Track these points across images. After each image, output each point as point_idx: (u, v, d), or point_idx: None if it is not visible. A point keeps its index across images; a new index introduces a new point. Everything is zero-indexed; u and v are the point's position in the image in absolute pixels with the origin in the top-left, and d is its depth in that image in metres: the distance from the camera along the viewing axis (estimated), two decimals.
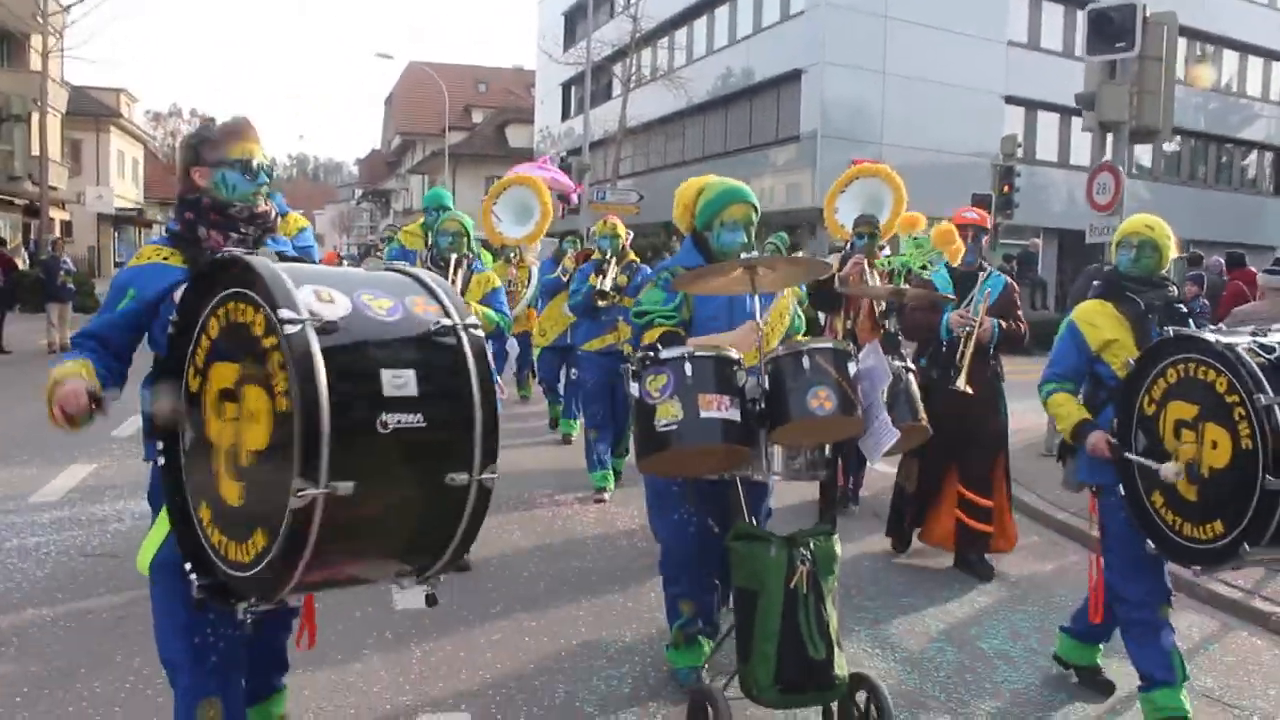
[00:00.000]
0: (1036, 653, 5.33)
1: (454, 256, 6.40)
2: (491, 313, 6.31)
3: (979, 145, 29.19)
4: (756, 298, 4.00)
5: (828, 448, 4.08)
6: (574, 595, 6.00)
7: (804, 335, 4.77)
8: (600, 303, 8.15)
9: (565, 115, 48.24)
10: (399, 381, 2.52)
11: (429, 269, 5.96)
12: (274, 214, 3.25)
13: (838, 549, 3.93)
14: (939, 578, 6.58)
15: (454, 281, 6.15)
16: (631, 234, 8.94)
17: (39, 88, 31.05)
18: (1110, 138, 11.75)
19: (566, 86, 46.97)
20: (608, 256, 8.41)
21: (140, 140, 58.12)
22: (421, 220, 7.85)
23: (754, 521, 4.13)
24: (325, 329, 2.45)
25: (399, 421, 2.48)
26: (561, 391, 10.89)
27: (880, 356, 3.99)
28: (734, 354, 3.89)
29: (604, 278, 8.21)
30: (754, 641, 3.74)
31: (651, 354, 3.86)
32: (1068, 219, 30.24)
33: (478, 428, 2.62)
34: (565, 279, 9.53)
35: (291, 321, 2.41)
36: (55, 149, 30.31)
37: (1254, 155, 40.63)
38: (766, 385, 3.80)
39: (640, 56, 36.76)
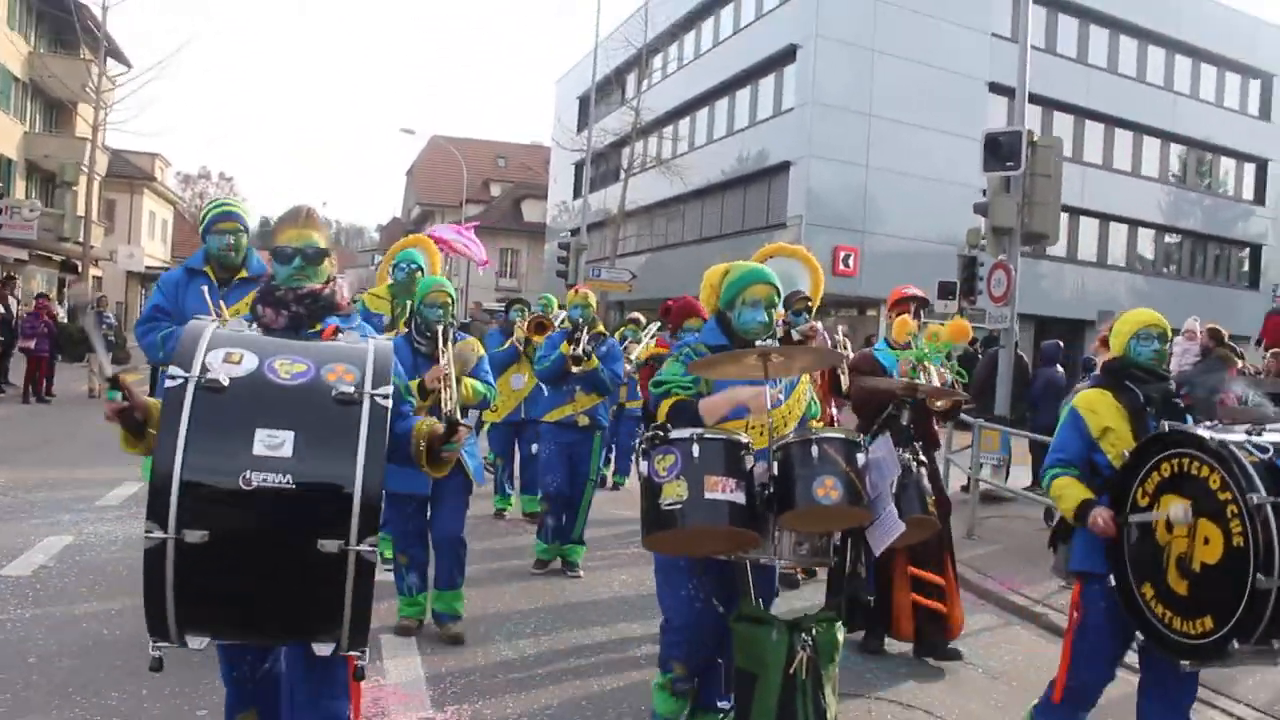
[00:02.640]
0: None
1: (440, 328, 5.94)
2: (479, 384, 6.10)
3: (956, 235, 31.42)
4: (771, 380, 4.02)
5: (836, 535, 4.05)
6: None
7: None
8: (575, 369, 7.90)
9: (576, 193, 50.64)
10: (274, 441, 2.56)
11: (416, 339, 5.93)
12: (329, 293, 3.35)
13: (840, 636, 3.93)
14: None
15: (444, 353, 5.77)
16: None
17: (84, 154, 33.04)
18: (1005, 239, 14.07)
19: (578, 167, 49.48)
20: (580, 325, 8.13)
21: (171, 202, 59.51)
22: (388, 283, 7.20)
23: (759, 604, 4.08)
24: (210, 386, 2.60)
25: (264, 480, 2.52)
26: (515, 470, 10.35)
27: (890, 449, 4.00)
28: (743, 438, 3.86)
29: (576, 345, 7.97)
30: None
31: (661, 433, 3.85)
32: (1037, 305, 32.52)
33: (357, 497, 2.58)
34: (521, 348, 9.47)
35: (174, 378, 2.61)
36: (94, 210, 33.12)
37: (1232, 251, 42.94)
38: (775, 470, 3.80)
39: (641, 145, 38.06)
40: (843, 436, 3.91)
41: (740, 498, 3.70)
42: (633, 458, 4.65)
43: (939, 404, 6.17)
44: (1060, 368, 14.02)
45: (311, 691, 3.27)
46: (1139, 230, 39.00)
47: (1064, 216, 35.18)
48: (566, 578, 7.95)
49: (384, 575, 5.63)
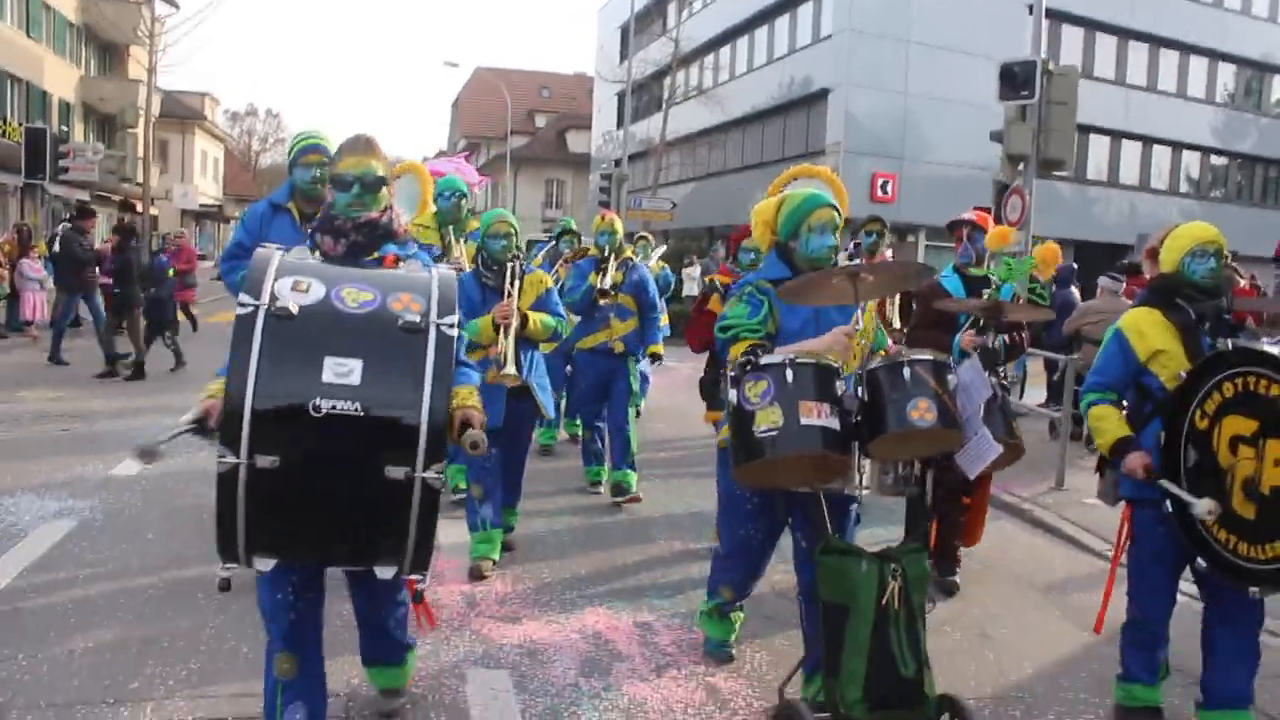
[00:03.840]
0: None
1: (508, 259, 5.95)
2: (548, 318, 6.05)
3: (994, 160, 31.69)
4: (859, 308, 3.97)
5: (917, 465, 3.97)
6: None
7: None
8: (601, 301, 7.84)
9: (620, 123, 51.28)
10: (343, 369, 2.61)
11: (484, 274, 5.92)
12: (387, 221, 3.38)
13: (928, 567, 3.91)
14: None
15: (512, 287, 5.87)
16: (664, 244, 8.63)
17: (138, 95, 34.27)
18: (1022, 165, 14.72)
19: (621, 97, 50.03)
20: (605, 254, 7.99)
21: (221, 140, 61.08)
22: (434, 211, 6.89)
23: (840, 536, 4.02)
24: (280, 314, 2.65)
25: (334, 407, 2.58)
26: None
27: (979, 370, 3.92)
28: (834, 362, 3.80)
29: (604, 276, 7.84)
30: (843, 657, 3.67)
31: (751, 359, 3.78)
32: (1081, 230, 32.87)
33: (423, 425, 2.63)
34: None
35: (244, 305, 2.66)
36: (149, 150, 34.48)
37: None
38: (863, 396, 3.72)
39: (681, 75, 38.62)
40: (933, 358, 3.78)
41: (834, 423, 3.64)
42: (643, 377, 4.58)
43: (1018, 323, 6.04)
44: (1075, 289, 14.63)
45: (373, 612, 3.62)
46: (1183, 153, 38.79)
47: (1105, 139, 35.56)
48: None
49: None
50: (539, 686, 4.52)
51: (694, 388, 7.31)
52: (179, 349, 14.16)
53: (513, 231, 5.99)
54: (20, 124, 29.28)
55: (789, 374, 3.67)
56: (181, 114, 50.81)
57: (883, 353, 4.18)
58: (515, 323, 5.77)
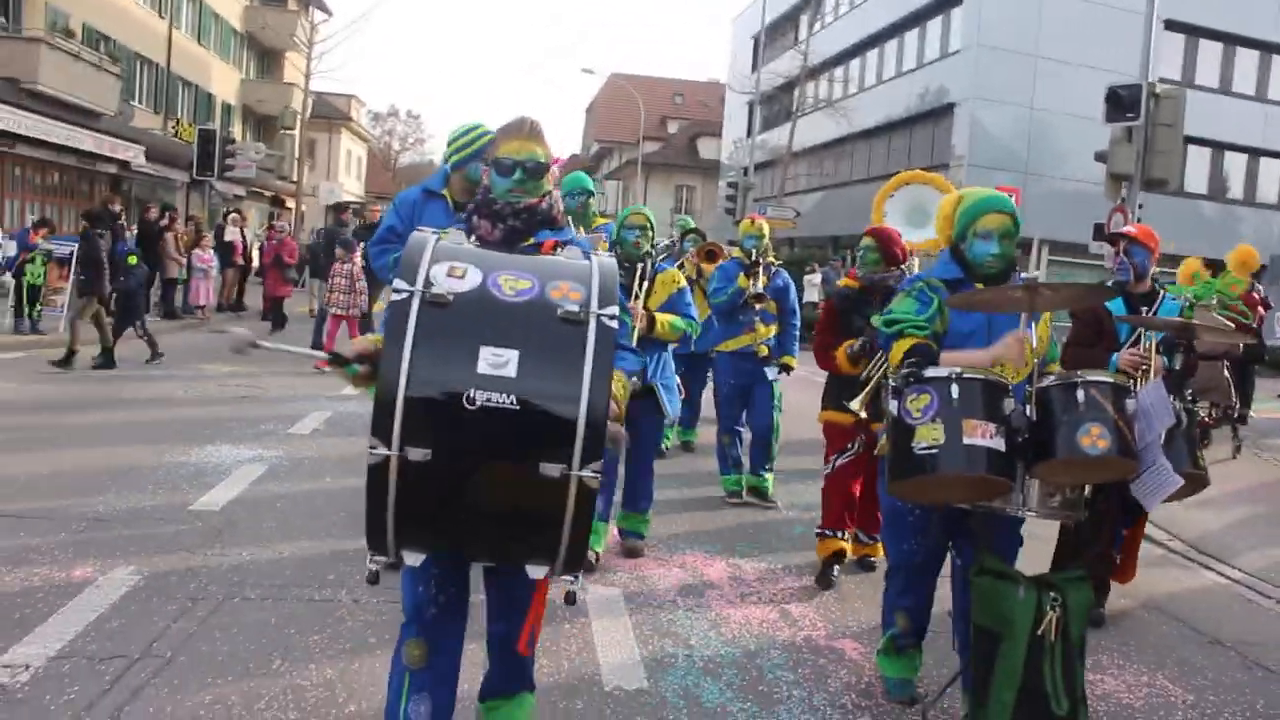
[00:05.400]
0: None
1: (640, 255, 5.99)
2: (678, 320, 5.95)
3: None
4: (1029, 318, 3.73)
5: (1087, 488, 3.78)
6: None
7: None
8: (758, 306, 7.70)
9: (749, 132, 52.42)
10: (498, 360, 2.50)
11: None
12: (547, 207, 3.26)
13: (1092, 598, 3.72)
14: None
15: (639, 288, 5.89)
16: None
17: (291, 98, 37.50)
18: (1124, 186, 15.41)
19: (751, 106, 51.20)
20: (753, 257, 7.82)
21: (365, 140, 64.04)
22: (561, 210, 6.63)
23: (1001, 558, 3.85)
24: (435, 301, 2.55)
25: (489, 400, 2.47)
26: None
27: (1164, 395, 3.70)
28: (1004, 378, 3.61)
29: (755, 280, 7.68)
30: (992, 687, 3.53)
31: (915, 370, 3.61)
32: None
33: (581, 421, 2.51)
34: (696, 279, 8.93)
35: (399, 291, 2.56)
36: (300, 150, 37.30)
37: None
38: (1033, 415, 3.52)
39: (810, 87, 39.80)
40: (1111, 380, 3.58)
41: (1000, 444, 3.43)
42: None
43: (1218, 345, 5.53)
44: None
45: (506, 617, 3.21)
46: None
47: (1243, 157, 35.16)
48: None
49: None
50: (643, 601, 5.58)
51: (807, 387, 7.80)
52: (153, 338, 13.92)
53: (648, 225, 6.13)
54: (191, 124, 31.92)
55: (954, 389, 3.49)
56: (329, 115, 53.49)
57: (1054, 367, 4.04)
58: (642, 324, 5.75)
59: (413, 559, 2.69)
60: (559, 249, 3.08)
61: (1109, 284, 5.94)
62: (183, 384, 12.13)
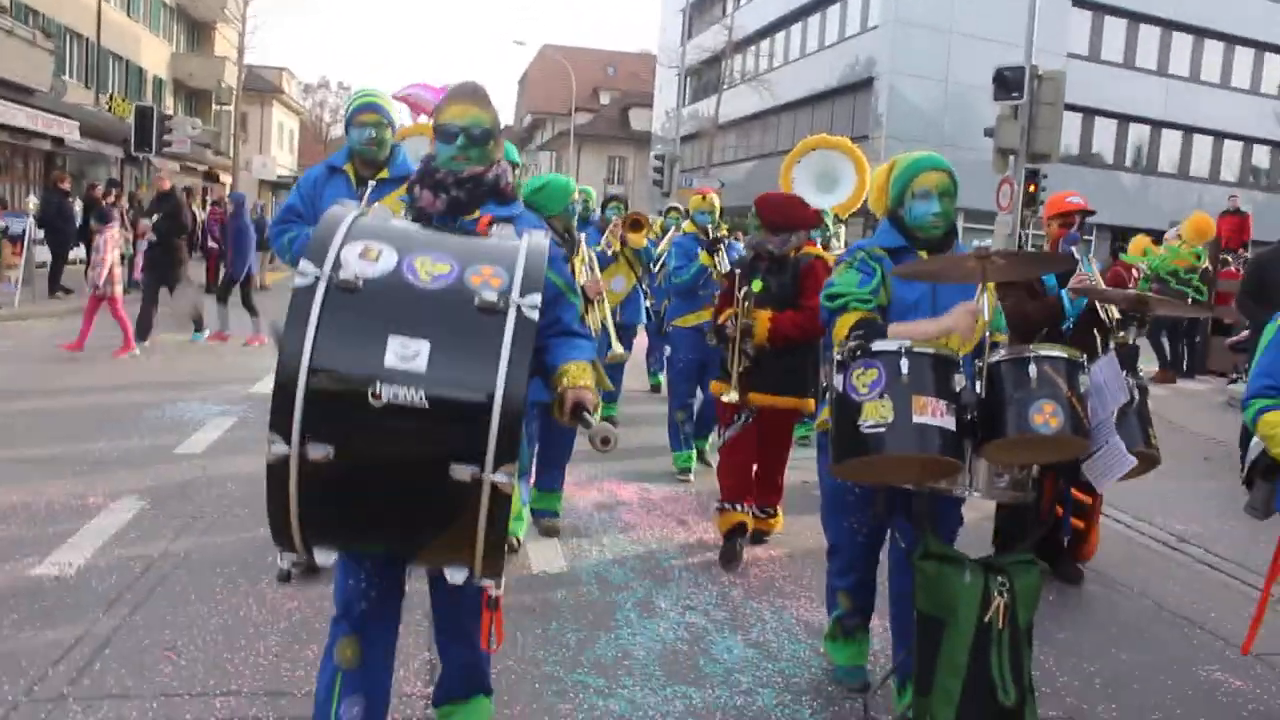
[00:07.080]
0: None
1: (575, 226, 5.80)
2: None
3: None
4: (979, 289, 3.53)
5: (1035, 468, 3.66)
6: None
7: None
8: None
9: (680, 103, 53.56)
10: (408, 352, 2.34)
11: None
12: (493, 177, 3.07)
13: (1040, 582, 3.54)
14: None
15: (582, 262, 5.89)
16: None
17: (223, 71, 37.95)
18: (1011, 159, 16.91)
19: (681, 78, 52.31)
20: (710, 234, 7.78)
21: (296, 112, 63.93)
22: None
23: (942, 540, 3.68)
24: (343, 286, 2.38)
25: (395, 396, 2.31)
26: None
27: (1118, 371, 3.58)
28: (954, 353, 3.44)
29: (719, 257, 7.56)
30: (936, 675, 3.43)
31: (863, 343, 3.42)
32: (1116, 215, 34.53)
33: (495, 421, 2.33)
34: (610, 252, 8.34)
35: (304, 274, 2.38)
36: (233, 123, 37.86)
37: None
38: (982, 392, 3.35)
39: (735, 61, 41.30)
40: (1065, 355, 3.40)
41: (950, 423, 3.28)
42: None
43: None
44: None
45: (455, 619, 3.15)
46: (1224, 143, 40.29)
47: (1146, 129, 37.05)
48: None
49: None
50: (566, 514, 6.46)
51: None
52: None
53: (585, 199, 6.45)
54: (124, 98, 32.36)
55: (904, 364, 3.30)
56: (260, 88, 53.53)
57: (999, 336, 3.81)
58: (604, 297, 5.84)
59: (324, 558, 2.55)
60: (494, 225, 2.92)
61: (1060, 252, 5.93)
62: (143, 354, 12.82)
